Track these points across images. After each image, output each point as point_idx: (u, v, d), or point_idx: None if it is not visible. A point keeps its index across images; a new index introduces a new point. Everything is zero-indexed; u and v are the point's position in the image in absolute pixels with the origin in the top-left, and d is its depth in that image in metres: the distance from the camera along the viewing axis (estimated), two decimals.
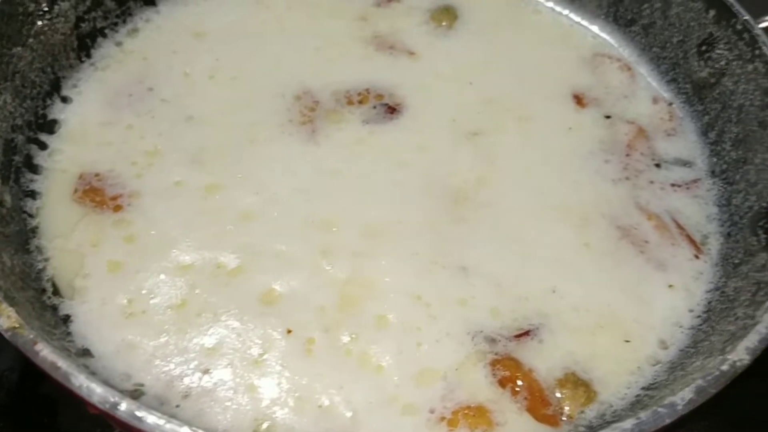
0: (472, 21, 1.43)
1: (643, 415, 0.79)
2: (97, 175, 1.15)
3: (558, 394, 1.00)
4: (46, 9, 1.21)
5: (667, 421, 0.79)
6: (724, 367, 0.84)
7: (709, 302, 1.10)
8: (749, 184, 1.17)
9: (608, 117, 1.31)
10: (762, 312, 0.91)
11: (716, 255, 1.16)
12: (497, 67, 1.36)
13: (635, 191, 1.22)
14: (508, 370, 1.01)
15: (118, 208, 1.12)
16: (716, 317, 1.06)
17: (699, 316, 1.09)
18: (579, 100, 1.33)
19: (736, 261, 1.11)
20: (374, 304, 1.05)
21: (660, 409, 0.80)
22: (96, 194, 1.13)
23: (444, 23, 1.40)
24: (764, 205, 1.12)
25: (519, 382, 1.00)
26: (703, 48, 1.29)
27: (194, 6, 1.40)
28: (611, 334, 1.06)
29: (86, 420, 1.10)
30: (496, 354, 1.02)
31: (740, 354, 0.86)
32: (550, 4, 1.48)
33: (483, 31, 1.41)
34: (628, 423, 0.79)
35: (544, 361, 1.03)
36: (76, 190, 1.13)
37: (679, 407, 0.81)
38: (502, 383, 1.00)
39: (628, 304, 1.10)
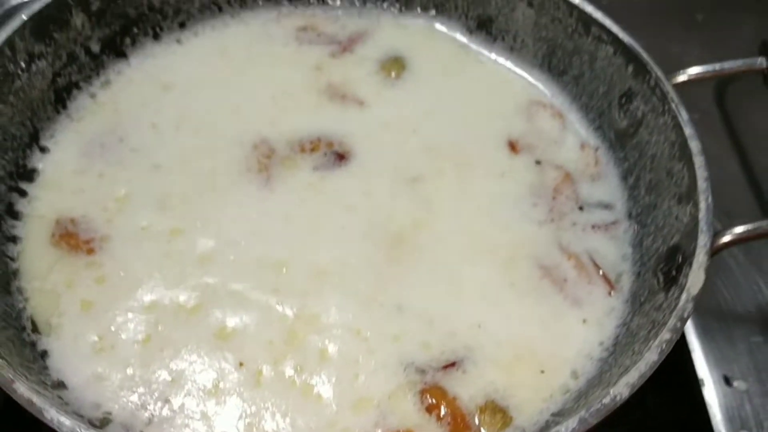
0: (419, 71, 1.56)
1: None
2: (72, 220, 1.28)
3: (477, 420, 1.13)
4: (25, 67, 1.34)
5: None
6: (606, 400, 0.98)
7: (617, 336, 1.23)
8: (657, 227, 1.31)
9: (539, 162, 1.44)
10: (645, 350, 1.05)
11: (627, 292, 1.29)
12: (440, 115, 1.49)
13: (558, 233, 1.35)
14: (434, 398, 1.14)
15: (90, 251, 1.24)
16: (620, 351, 1.19)
17: (607, 349, 1.22)
18: (513, 146, 1.46)
19: (642, 299, 1.25)
20: (318, 338, 1.19)
21: None
22: (71, 238, 1.25)
23: (393, 73, 1.53)
24: (665, 248, 1.25)
25: (443, 409, 1.14)
26: (623, 100, 1.43)
27: (163, 58, 1.52)
28: (529, 365, 1.20)
29: None
30: (425, 383, 1.16)
31: (620, 388, 0.99)
32: (492, 55, 1.61)
33: (428, 81, 1.54)
34: None
35: (468, 389, 1.16)
36: (53, 235, 1.26)
37: None
38: (429, 410, 1.14)
39: (546, 338, 1.23)
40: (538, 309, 1.27)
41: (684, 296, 1.11)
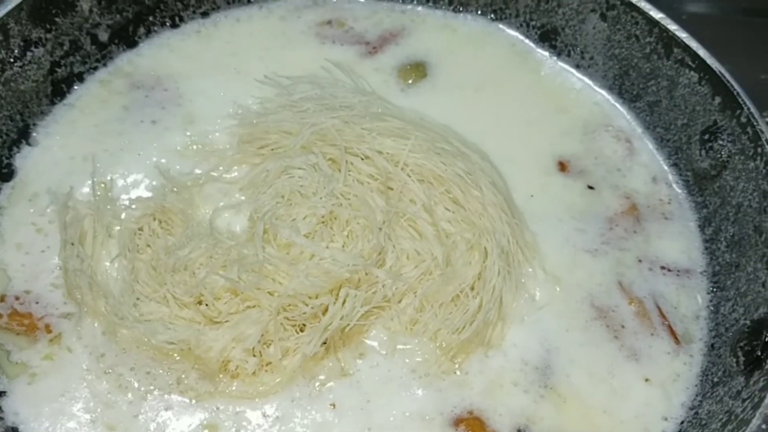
0: (440, 78, 1.37)
1: None
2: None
3: None
4: (19, 55, 1.17)
5: None
6: None
7: (682, 422, 1.03)
8: (739, 293, 1.10)
9: (591, 188, 1.24)
10: None
11: (698, 366, 1.08)
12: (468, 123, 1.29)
13: (619, 269, 1.16)
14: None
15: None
16: None
17: None
18: (563, 166, 1.27)
19: (715, 379, 1.05)
20: None
21: None
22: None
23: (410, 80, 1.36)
24: (748, 322, 1.04)
25: None
26: (706, 136, 1.21)
27: (179, 51, 1.37)
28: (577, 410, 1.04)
29: None
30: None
31: None
32: (556, 67, 1.40)
33: (454, 89, 1.36)
34: None
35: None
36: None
37: None
38: None
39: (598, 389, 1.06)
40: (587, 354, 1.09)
41: None
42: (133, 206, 1.13)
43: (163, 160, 1.21)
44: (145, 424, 0.99)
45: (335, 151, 1.14)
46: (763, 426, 0.88)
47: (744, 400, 0.95)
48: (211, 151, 1.21)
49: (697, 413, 1.03)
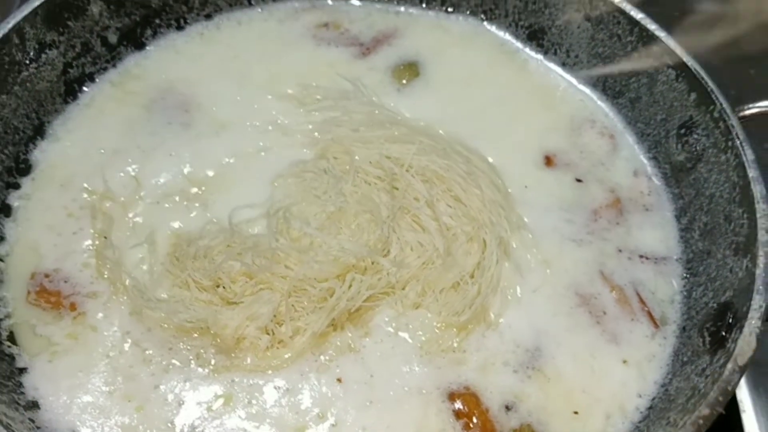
0: (435, 77, 1.44)
1: None
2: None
3: None
4: (34, 57, 1.25)
5: None
6: None
7: (653, 399, 1.10)
8: (709, 278, 1.17)
9: (579, 180, 1.31)
10: (681, 424, 0.92)
11: (670, 347, 1.15)
12: (459, 119, 1.37)
13: (602, 258, 1.23)
14: (467, 406, 1.09)
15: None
16: (654, 417, 1.06)
17: (641, 412, 1.09)
18: (549, 160, 1.34)
19: (684, 359, 1.11)
20: None
21: None
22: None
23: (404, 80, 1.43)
24: (715, 305, 1.11)
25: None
26: (683, 131, 1.28)
27: (184, 53, 1.45)
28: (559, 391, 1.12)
29: None
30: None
31: None
32: (542, 65, 1.47)
33: (445, 87, 1.43)
34: None
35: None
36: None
37: None
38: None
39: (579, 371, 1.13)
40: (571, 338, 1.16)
41: (730, 366, 0.97)
42: (160, 202, 1.23)
43: (194, 161, 1.29)
44: (164, 394, 1.07)
45: (345, 156, 1.24)
46: (720, 398, 0.94)
47: (707, 377, 1.02)
48: (240, 156, 1.30)
49: (667, 390, 1.10)
